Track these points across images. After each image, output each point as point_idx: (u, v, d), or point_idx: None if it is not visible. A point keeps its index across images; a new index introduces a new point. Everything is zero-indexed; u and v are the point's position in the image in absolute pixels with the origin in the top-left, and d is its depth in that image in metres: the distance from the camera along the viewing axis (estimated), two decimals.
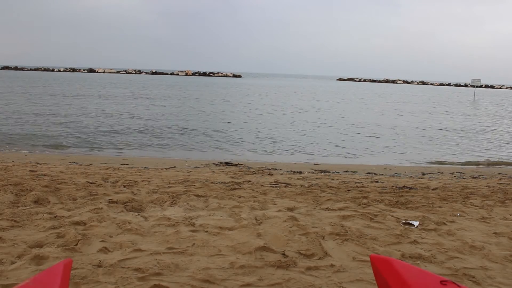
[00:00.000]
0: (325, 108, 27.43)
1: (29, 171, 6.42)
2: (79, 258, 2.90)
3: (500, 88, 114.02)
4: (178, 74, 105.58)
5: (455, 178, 7.91)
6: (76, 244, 3.13)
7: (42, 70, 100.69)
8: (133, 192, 4.96)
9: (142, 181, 5.81)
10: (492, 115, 27.32)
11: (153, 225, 3.68)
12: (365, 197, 5.12)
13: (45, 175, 6.00)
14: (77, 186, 5.17)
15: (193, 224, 3.72)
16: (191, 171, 7.43)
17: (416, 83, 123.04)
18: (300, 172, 7.83)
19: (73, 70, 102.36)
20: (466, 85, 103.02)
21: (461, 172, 9.00)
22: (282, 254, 3.12)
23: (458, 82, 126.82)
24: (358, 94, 48.10)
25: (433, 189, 6.00)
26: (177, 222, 3.74)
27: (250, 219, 3.90)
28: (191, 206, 4.40)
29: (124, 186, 5.35)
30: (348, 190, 5.62)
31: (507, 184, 6.98)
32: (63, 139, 12.58)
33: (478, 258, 3.22)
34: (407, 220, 4.14)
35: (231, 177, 6.70)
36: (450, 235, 3.73)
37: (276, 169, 8.21)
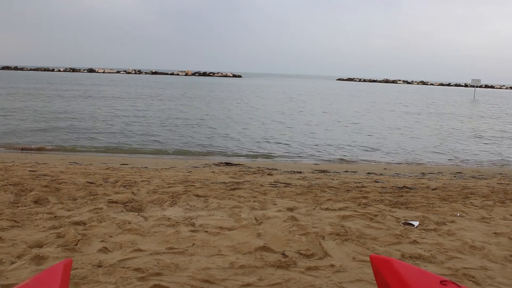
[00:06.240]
0: (326, 108, 27.43)
1: (29, 171, 6.42)
2: (79, 258, 2.90)
3: (500, 88, 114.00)
4: (178, 74, 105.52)
5: (455, 178, 7.91)
6: (76, 244, 3.13)
7: (42, 70, 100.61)
8: (133, 192, 4.96)
9: (142, 181, 5.81)
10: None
11: (153, 225, 3.68)
12: (365, 197, 5.12)
13: (45, 175, 6.00)
14: (77, 186, 5.17)
15: (193, 224, 3.71)
16: (191, 171, 7.43)
17: (416, 83, 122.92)
18: (300, 172, 7.83)
19: (73, 70, 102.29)
20: (466, 85, 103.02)
21: (461, 172, 9.00)
22: (282, 254, 3.12)
23: (458, 82, 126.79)
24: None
25: (433, 189, 6.00)
26: (177, 222, 3.74)
27: (250, 219, 3.90)
28: (191, 206, 4.40)
29: (124, 186, 5.35)
30: (348, 190, 5.62)
31: (507, 184, 6.98)
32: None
33: (478, 258, 3.22)
34: (407, 220, 4.13)
35: (231, 177, 6.70)
36: (450, 235, 3.73)
37: (276, 169, 8.21)
